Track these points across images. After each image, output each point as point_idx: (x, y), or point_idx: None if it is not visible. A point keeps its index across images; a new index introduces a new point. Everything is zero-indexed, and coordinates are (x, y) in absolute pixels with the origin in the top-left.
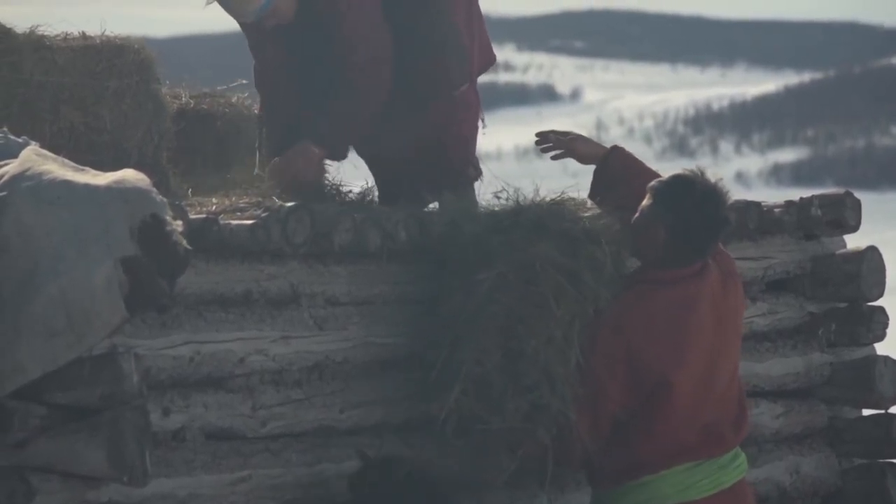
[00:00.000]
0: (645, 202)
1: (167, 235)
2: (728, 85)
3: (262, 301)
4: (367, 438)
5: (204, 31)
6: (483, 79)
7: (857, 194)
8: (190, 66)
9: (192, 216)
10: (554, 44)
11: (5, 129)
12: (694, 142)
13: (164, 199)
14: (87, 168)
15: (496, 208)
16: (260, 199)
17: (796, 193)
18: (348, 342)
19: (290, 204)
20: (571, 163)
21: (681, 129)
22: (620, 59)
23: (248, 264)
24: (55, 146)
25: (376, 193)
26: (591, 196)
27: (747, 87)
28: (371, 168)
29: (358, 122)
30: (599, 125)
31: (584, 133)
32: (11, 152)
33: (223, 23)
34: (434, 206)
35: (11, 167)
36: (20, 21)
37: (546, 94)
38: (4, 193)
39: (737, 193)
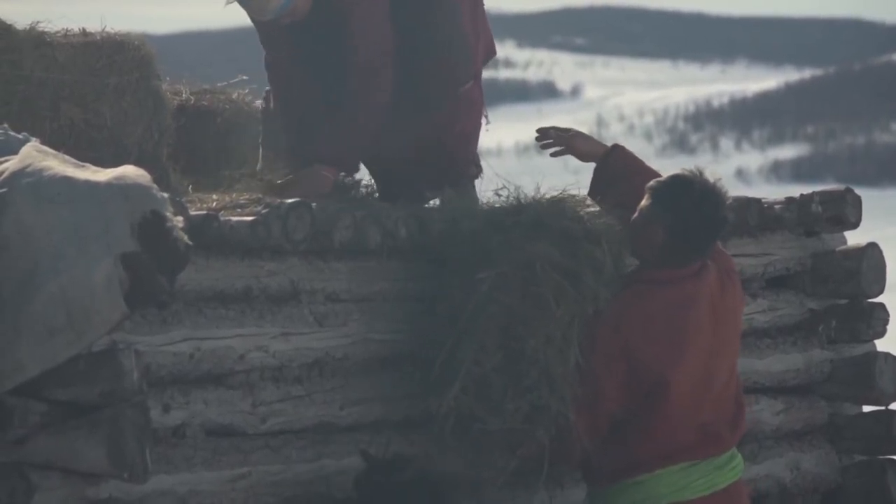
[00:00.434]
0: (644, 202)
1: (167, 232)
2: (728, 82)
3: (263, 297)
4: (367, 435)
5: (204, 28)
6: (483, 75)
7: (858, 191)
8: (190, 63)
9: (193, 212)
10: (554, 40)
11: (5, 125)
12: (694, 138)
13: (165, 196)
14: (87, 164)
15: (497, 206)
16: (260, 195)
17: (797, 190)
18: (348, 339)
19: (290, 201)
20: (572, 160)
21: (681, 125)
22: (621, 55)
23: (249, 261)
24: (55, 143)
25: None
26: (590, 194)
27: (748, 83)
28: (370, 167)
29: (364, 130)
30: (600, 122)
31: (584, 130)
32: (12, 149)
33: (223, 19)
34: (435, 203)
35: (12, 164)
36: (20, 18)
37: (546, 91)
38: (5, 190)
39: (737, 190)
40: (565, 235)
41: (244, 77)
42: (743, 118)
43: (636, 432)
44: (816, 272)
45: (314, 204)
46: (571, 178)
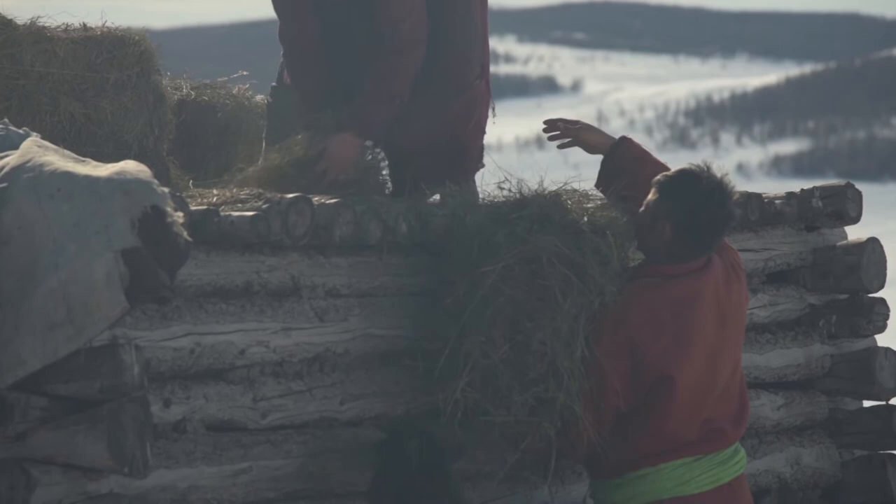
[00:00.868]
0: (650, 196)
1: (168, 227)
2: (729, 76)
3: (263, 293)
4: (367, 430)
5: (205, 23)
6: None
7: (858, 186)
8: (190, 58)
9: (193, 208)
10: (555, 35)
11: (6, 120)
12: (695, 133)
13: (165, 191)
14: (87, 159)
15: (500, 200)
16: (261, 190)
17: (797, 185)
18: (349, 334)
19: (290, 196)
20: (573, 154)
21: (682, 120)
22: (621, 50)
23: (249, 256)
24: (55, 138)
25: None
26: (597, 185)
27: (748, 78)
28: (389, 159)
29: (393, 102)
30: (600, 117)
31: None
32: (12, 144)
33: (224, 15)
34: (435, 199)
35: (12, 158)
36: (21, 12)
37: (547, 86)
38: (5, 185)
39: (738, 185)
40: (570, 228)
41: (244, 72)
42: (743, 113)
43: (640, 426)
44: (817, 267)
45: (314, 200)
46: (572, 172)
